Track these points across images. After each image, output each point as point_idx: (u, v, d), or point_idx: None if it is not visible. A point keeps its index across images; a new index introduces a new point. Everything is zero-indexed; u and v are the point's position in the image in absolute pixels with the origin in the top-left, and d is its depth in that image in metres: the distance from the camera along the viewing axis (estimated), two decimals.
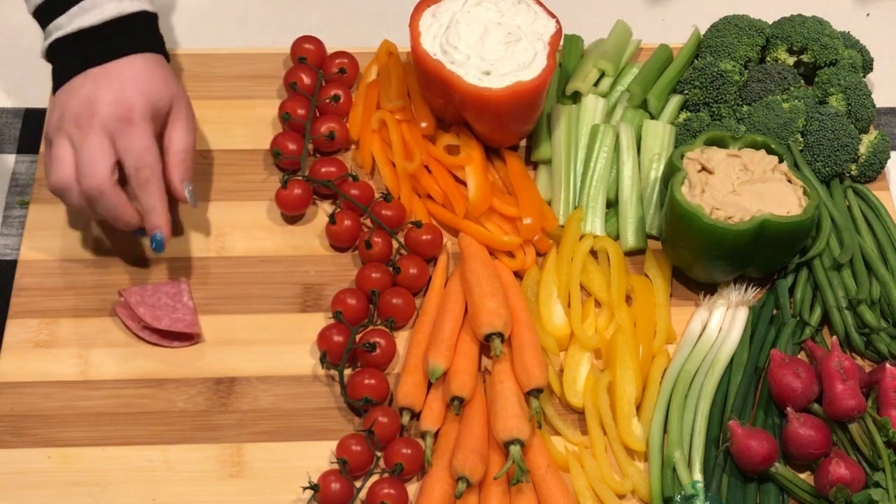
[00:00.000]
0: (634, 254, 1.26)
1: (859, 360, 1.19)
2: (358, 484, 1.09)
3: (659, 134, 1.29)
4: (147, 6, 1.20)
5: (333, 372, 1.16)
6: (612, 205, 1.28)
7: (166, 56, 1.22)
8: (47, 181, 1.14)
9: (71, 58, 1.16)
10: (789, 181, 1.19)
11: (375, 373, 1.14)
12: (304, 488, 1.07)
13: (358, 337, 1.17)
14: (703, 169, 1.19)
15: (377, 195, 1.25)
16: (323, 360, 1.15)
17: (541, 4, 1.24)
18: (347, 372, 1.16)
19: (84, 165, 1.11)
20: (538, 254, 1.24)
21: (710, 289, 1.22)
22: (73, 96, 1.14)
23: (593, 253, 1.24)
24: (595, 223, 1.25)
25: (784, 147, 1.23)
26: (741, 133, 1.26)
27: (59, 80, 1.17)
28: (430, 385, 1.15)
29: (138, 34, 1.18)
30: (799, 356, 1.18)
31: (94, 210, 1.14)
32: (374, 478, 1.10)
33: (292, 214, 1.26)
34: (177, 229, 1.25)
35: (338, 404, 1.15)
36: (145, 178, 1.12)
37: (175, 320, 1.17)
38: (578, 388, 1.16)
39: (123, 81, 1.14)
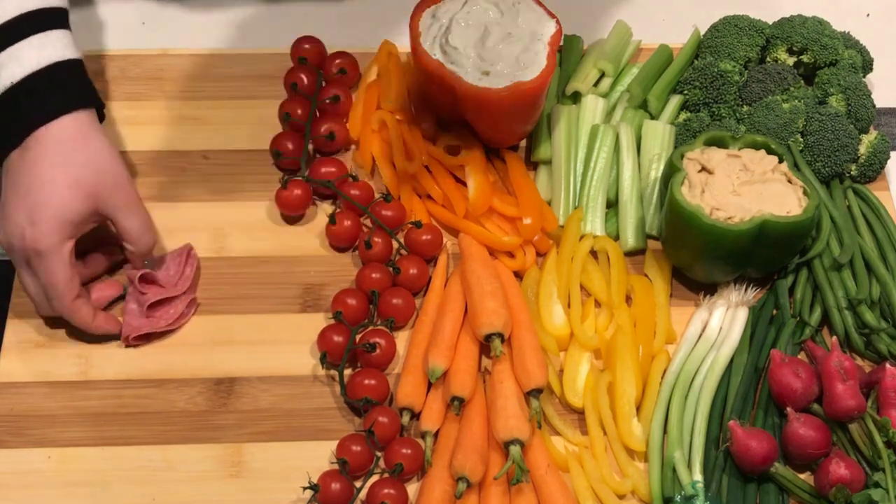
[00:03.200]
0: (634, 254, 1.26)
1: (859, 360, 1.19)
2: (358, 484, 1.09)
3: (659, 134, 1.29)
4: (71, 53, 1.12)
5: (333, 372, 1.16)
6: (612, 205, 1.28)
7: (100, 105, 1.15)
8: None
9: (12, 119, 1.10)
10: (789, 181, 1.19)
11: (375, 373, 1.14)
12: (305, 488, 1.07)
13: (358, 337, 1.17)
14: (703, 169, 1.19)
15: (377, 195, 1.25)
16: (323, 360, 1.15)
17: (541, 4, 1.24)
18: (347, 372, 1.16)
19: (44, 291, 1.11)
20: (538, 254, 1.24)
21: (710, 289, 1.22)
22: (4, 214, 1.10)
23: (593, 253, 1.24)
24: (595, 223, 1.25)
25: (784, 147, 1.23)
26: (741, 133, 1.26)
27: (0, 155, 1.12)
28: (430, 385, 1.15)
29: (65, 88, 1.11)
30: (799, 356, 1.18)
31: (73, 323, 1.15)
32: (374, 478, 1.10)
33: (292, 215, 1.26)
34: (176, 231, 1.25)
35: (338, 404, 1.15)
36: (59, 307, 1.11)
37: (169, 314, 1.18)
38: (578, 388, 1.16)
39: (31, 197, 1.07)
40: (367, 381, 1.13)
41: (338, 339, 1.15)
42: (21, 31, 1.10)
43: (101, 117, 1.16)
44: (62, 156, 1.09)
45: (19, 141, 1.09)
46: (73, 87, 1.12)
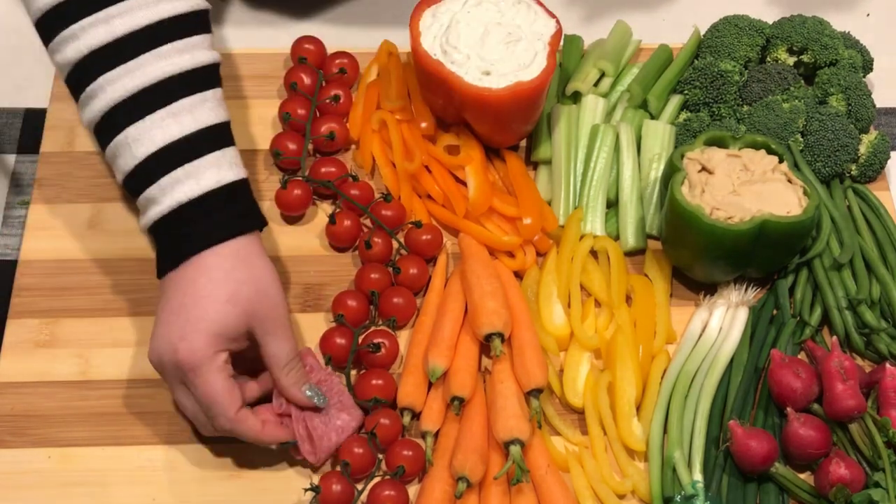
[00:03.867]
0: (634, 254, 1.26)
1: (859, 360, 1.19)
2: (359, 486, 1.09)
3: (659, 134, 1.29)
4: (243, 172, 1.09)
5: (335, 373, 1.16)
6: (612, 205, 1.28)
7: (263, 225, 1.10)
8: None
9: (164, 245, 1.07)
10: (789, 181, 1.19)
11: (383, 373, 1.14)
12: (306, 490, 1.07)
13: (361, 338, 1.17)
14: (703, 169, 1.19)
15: (377, 195, 1.25)
16: (328, 363, 1.15)
17: (541, 4, 1.24)
18: (353, 373, 1.16)
19: (205, 411, 1.06)
20: (538, 254, 1.24)
21: (710, 289, 1.22)
22: (153, 334, 1.06)
23: (593, 253, 1.24)
24: (595, 223, 1.25)
25: (784, 147, 1.23)
26: (741, 133, 1.26)
27: (157, 272, 1.08)
28: (430, 385, 1.15)
29: (235, 211, 1.07)
30: (799, 356, 1.18)
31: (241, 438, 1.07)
32: (375, 479, 1.10)
33: (292, 214, 1.26)
34: None
35: None
36: (221, 427, 1.05)
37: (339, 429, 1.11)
38: (578, 388, 1.16)
39: (183, 314, 1.03)
40: (375, 382, 1.13)
41: (341, 341, 1.15)
42: (200, 148, 1.07)
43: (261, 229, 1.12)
44: (223, 272, 1.04)
45: (183, 261, 1.05)
46: (241, 210, 1.08)
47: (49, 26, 1.08)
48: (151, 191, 1.06)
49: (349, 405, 1.11)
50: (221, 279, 1.04)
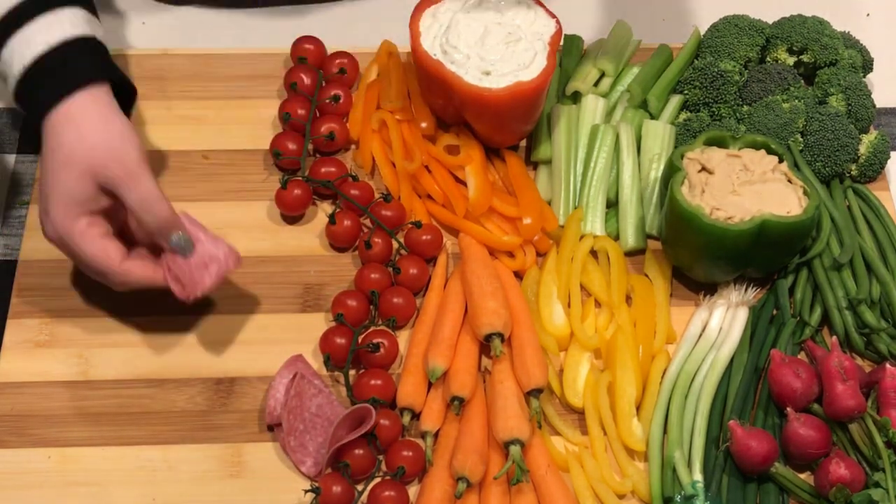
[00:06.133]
0: (634, 254, 1.26)
1: (859, 360, 1.19)
2: (359, 487, 1.09)
3: (659, 134, 1.29)
4: (79, 30, 1.11)
5: (335, 373, 1.16)
6: (612, 205, 1.28)
7: (117, 79, 1.14)
8: None
9: (28, 108, 1.12)
10: (789, 181, 1.19)
11: (381, 373, 1.14)
12: (306, 491, 1.07)
13: (361, 338, 1.17)
14: (703, 169, 1.19)
15: (377, 195, 1.25)
16: (327, 362, 1.15)
17: (541, 4, 1.24)
18: (351, 373, 1.16)
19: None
20: (538, 254, 1.24)
21: (710, 289, 1.22)
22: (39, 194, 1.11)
23: (593, 253, 1.24)
24: (595, 223, 1.25)
25: (784, 147, 1.23)
26: (741, 133, 1.26)
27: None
28: (430, 385, 1.15)
29: (80, 64, 1.10)
30: (799, 356, 1.18)
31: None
32: (375, 480, 1.10)
33: (292, 215, 1.26)
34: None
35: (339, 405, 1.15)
36: (112, 281, 1.11)
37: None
38: (578, 388, 1.16)
39: (43, 189, 1.08)
40: (373, 382, 1.13)
41: (340, 341, 1.15)
42: (29, 12, 1.10)
43: (131, 89, 1.17)
44: (55, 139, 1.08)
45: (36, 131, 1.10)
46: (77, 66, 1.10)
47: None
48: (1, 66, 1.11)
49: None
50: (55, 147, 1.08)
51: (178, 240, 1.10)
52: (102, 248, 1.09)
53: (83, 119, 1.08)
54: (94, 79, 1.10)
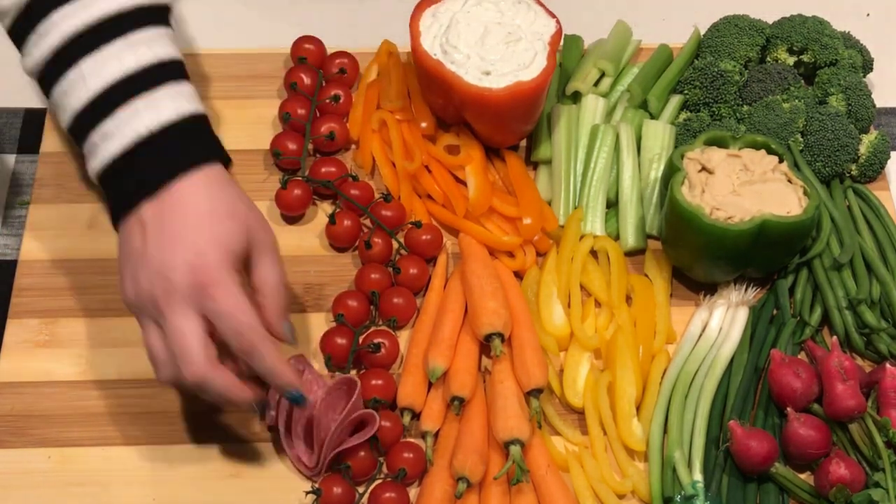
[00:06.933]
0: (634, 254, 1.26)
1: (859, 360, 1.19)
2: (360, 489, 1.09)
3: (659, 134, 1.29)
4: (200, 106, 1.05)
5: (335, 374, 1.16)
6: (612, 205, 1.28)
7: (226, 160, 1.07)
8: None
9: (127, 182, 1.01)
10: (789, 181, 1.19)
11: (383, 373, 1.14)
12: (307, 493, 1.07)
13: (361, 338, 1.17)
14: (703, 169, 1.19)
15: (377, 195, 1.25)
16: (328, 363, 1.15)
17: (541, 4, 1.24)
18: (353, 374, 1.15)
19: (175, 354, 0.98)
20: (538, 254, 1.24)
21: (710, 289, 1.22)
22: (140, 265, 0.99)
23: (593, 253, 1.24)
24: (595, 223, 1.25)
25: (784, 147, 1.23)
26: (741, 133, 1.26)
27: (114, 216, 1.03)
28: (430, 385, 1.15)
29: (195, 141, 1.03)
30: (799, 356, 1.18)
31: (205, 395, 1.01)
32: (377, 481, 1.10)
33: (292, 214, 1.26)
34: None
35: None
36: (249, 342, 0.98)
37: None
38: (578, 388, 1.16)
39: (188, 233, 0.98)
40: (374, 382, 1.12)
41: (341, 341, 1.15)
42: (158, 79, 1.03)
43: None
44: (211, 193, 1.00)
45: (157, 190, 1.00)
46: (205, 140, 1.06)
47: None
48: (106, 125, 1.01)
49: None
50: (217, 197, 1.00)
51: (288, 330, 1.05)
52: (252, 309, 0.99)
53: (231, 184, 1.04)
54: (219, 156, 1.06)
